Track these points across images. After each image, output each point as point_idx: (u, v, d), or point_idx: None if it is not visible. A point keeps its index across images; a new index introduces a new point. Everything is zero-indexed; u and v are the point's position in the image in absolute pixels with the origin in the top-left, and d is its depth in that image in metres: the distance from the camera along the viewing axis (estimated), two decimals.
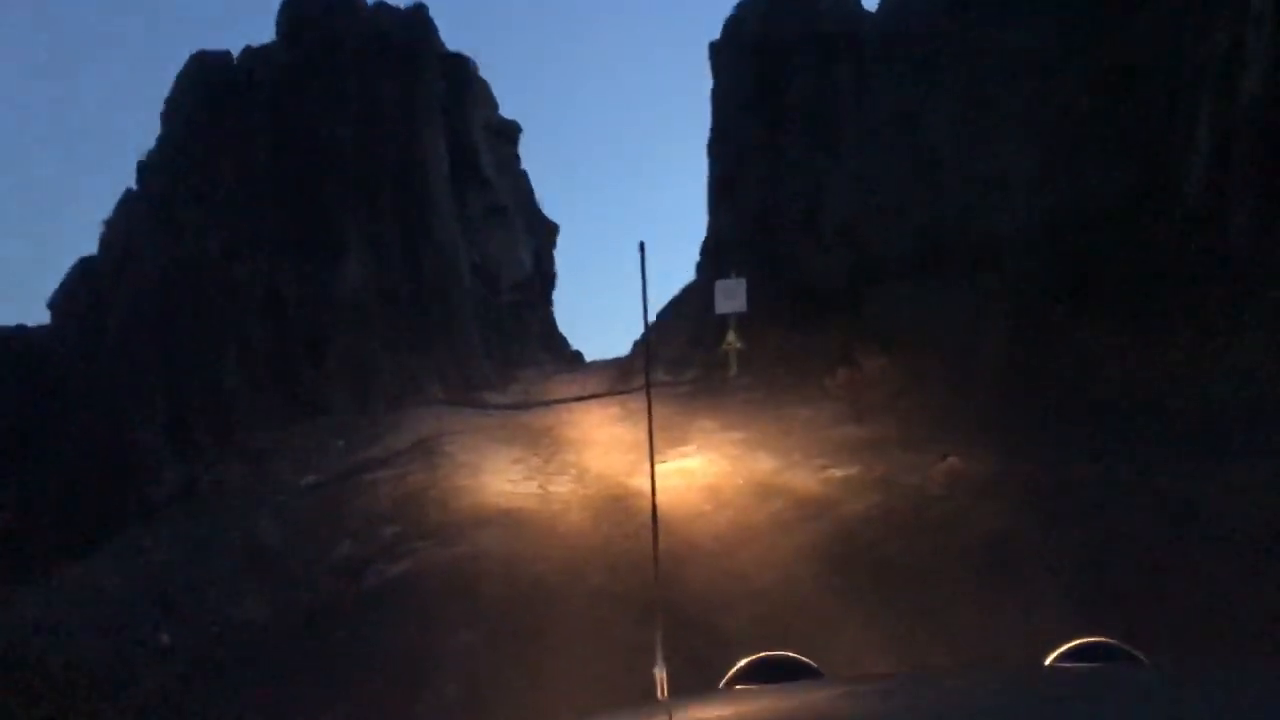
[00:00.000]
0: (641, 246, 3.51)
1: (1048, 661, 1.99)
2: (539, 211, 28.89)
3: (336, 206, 21.16)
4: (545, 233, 28.48)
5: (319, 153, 21.42)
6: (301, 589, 8.48)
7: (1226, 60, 13.04)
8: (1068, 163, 15.91)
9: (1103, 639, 2.03)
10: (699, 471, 10.48)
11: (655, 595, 3.99)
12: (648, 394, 3.74)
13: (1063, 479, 8.15)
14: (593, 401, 16.65)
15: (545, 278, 27.91)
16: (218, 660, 6.71)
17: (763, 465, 10.47)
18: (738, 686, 2.05)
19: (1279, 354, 10.02)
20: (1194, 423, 9.32)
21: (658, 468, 10.97)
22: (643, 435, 12.62)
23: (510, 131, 28.24)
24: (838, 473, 9.76)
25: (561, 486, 10.46)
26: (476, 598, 7.22)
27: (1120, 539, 6.52)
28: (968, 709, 1.49)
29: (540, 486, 10.45)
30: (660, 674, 3.01)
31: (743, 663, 2.13)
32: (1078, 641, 1.99)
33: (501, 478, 10.80)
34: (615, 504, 9.57)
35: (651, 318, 23.65)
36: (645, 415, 13.39)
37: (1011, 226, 15.88)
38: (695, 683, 2.07)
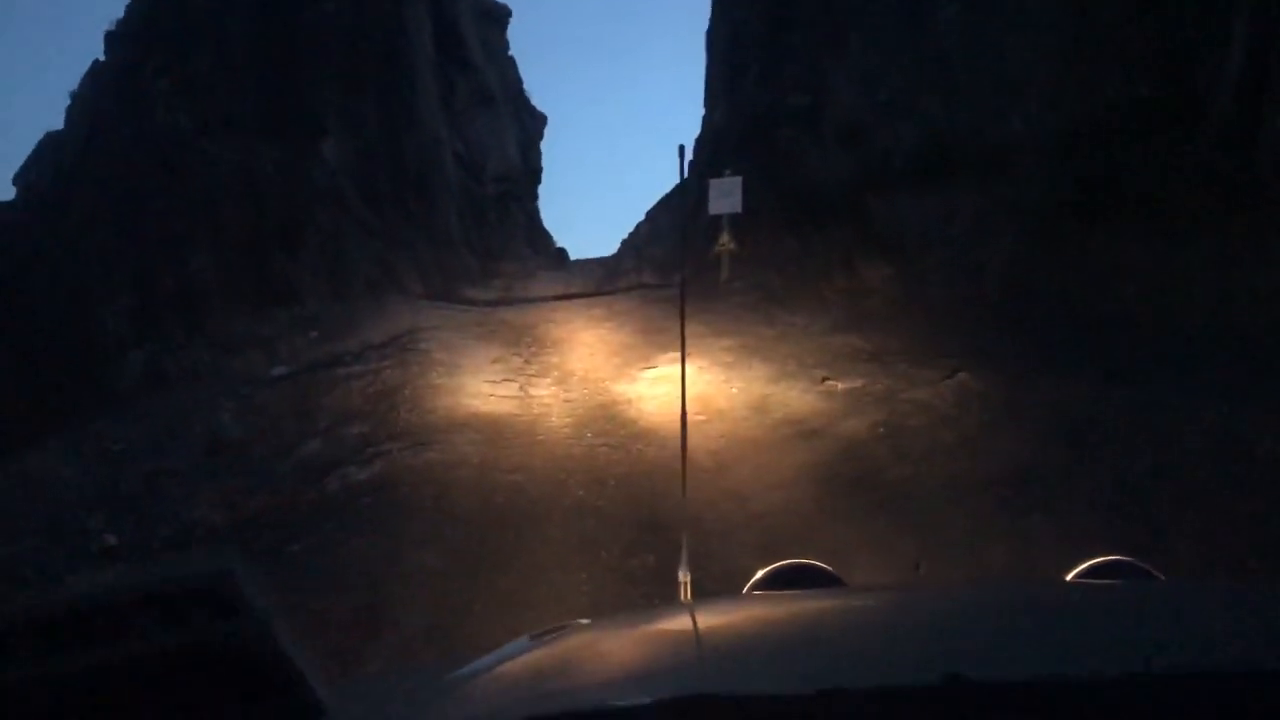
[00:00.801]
0: (681, 150, 3.63)
1: (1070, 576, 1.98)
2: (527, 101, 27.88)
3: (316, 87, 20.20)
4: (533, 124, 27.49)
5: (299, 30, 20.36)
6: (261, 491, 7.87)
7: None
8: (1087, 67, 15.08)
9: (1123, 557, 2.04)
10: (691, 380, 9.86)
11: (682, 499, 3.81)
12: (681, 297, 3.28)
13: (1085, 401, 7.57)
14: (577, 301, 16.00)
15: (531, 170, 27.01)
16: (159, 569, 6.13)
17: (758, 374, 9.86)
18: (759, 593, 2.07)
19: None
20: (1217, 349, 8.74)
21: (646, 374, 10.37)
22: (628, 338, 12.01)
23: (499, 14, 27.04)
24: (839, 385, 9.16)
25: (543, 390, 9.83)
26: (448, 510, 6.62)
27: (1162, 471, 5.96)
28: (989, 618, 1.48)
29: (520, 389, 9.82)
30: (684, 577, 3.13)
31: (765, 570, 2.17)
32: (1098, 560, 2.00)
33: (479, 378, 10.17)
34: (600, 411, 8.97)
35: (640, 216, 23.00)
36: (631, 317, 12.73)
37: (1025, 133, 15.09)
38: None
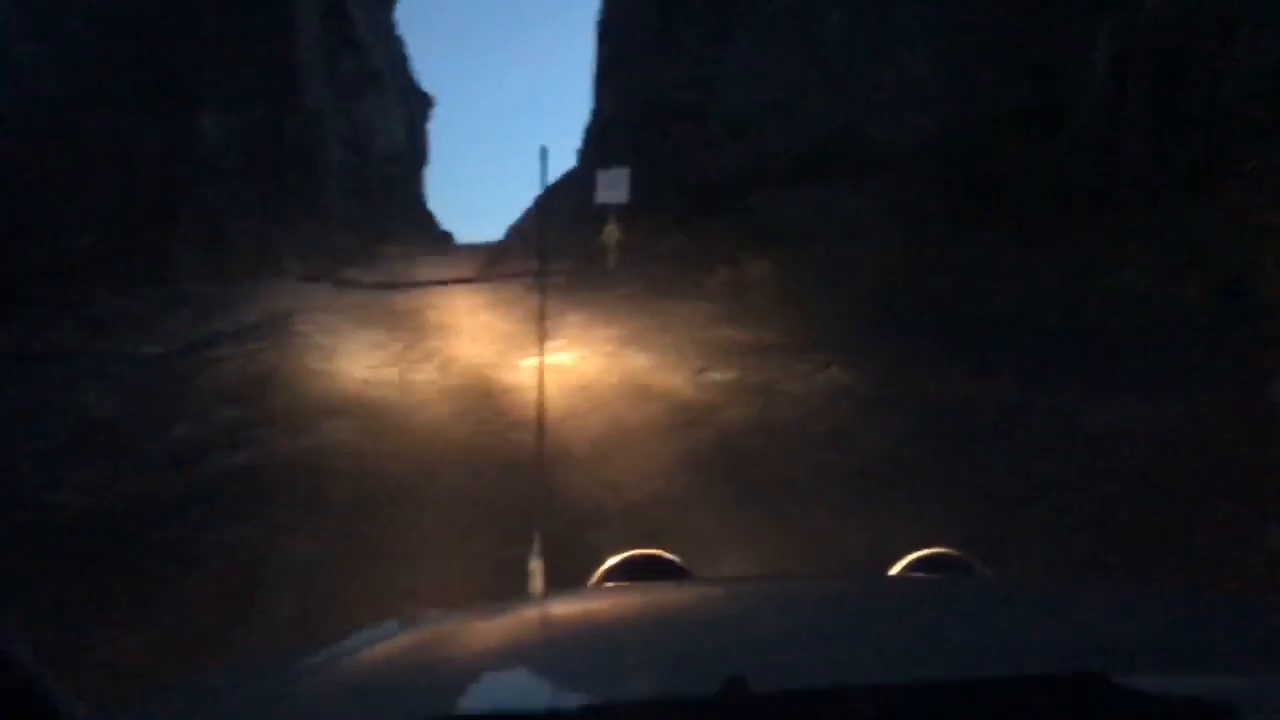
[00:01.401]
0: (543, 152, 3.56)
1: (895, 570, 2.08)
2: (414, 82, 27.50)
3: (197, 60, 19.61)
4: (420, 105, 27.12)
5: (181, 1, 19.75)
6: (128, 475, 7.66)
7: None
8: (964, 75, 15.60)
9: (947, 550, 2.13)
10: (572, 369, 9.93)
11: (537, 487, 3.86)
12: (541, 308, 3.24)
13: (950, 396, 7.88)
14: (462, 286, 15.91)
15: (417, 152, 26.67)
16: (16, 555, 5.94)
17: (639, 365, 9.99)
18: (608, 584, 2.11)
19: (1165, 282, 9.93)
20: (1077, 346, 9.17)
21: (528, 364, 10.40)
22: (512, 326, 12.00)
23: None
24: (717, 376, 9.34)
25: (423, 376, 9.78)
26: (321, 497, 6.56)
27: (1018, 464, 6.25)
28: (819, 611, 1.56)
29: (400, 375, 9.75)
30: (535, 566, 3.10)
31: (613, 560, 2.19)
32: (923, 552, 2.09)
33: (358, 363, 10.06)
34: (481, 398, 8.97)
35: (528, 203, 23.02)
36: (516, 304, 12.70)
37: (903, 135, 15.53)
38: None
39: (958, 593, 1.84)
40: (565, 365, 10.11)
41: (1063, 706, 0.97)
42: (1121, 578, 4.81)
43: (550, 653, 1.45)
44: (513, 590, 4.93)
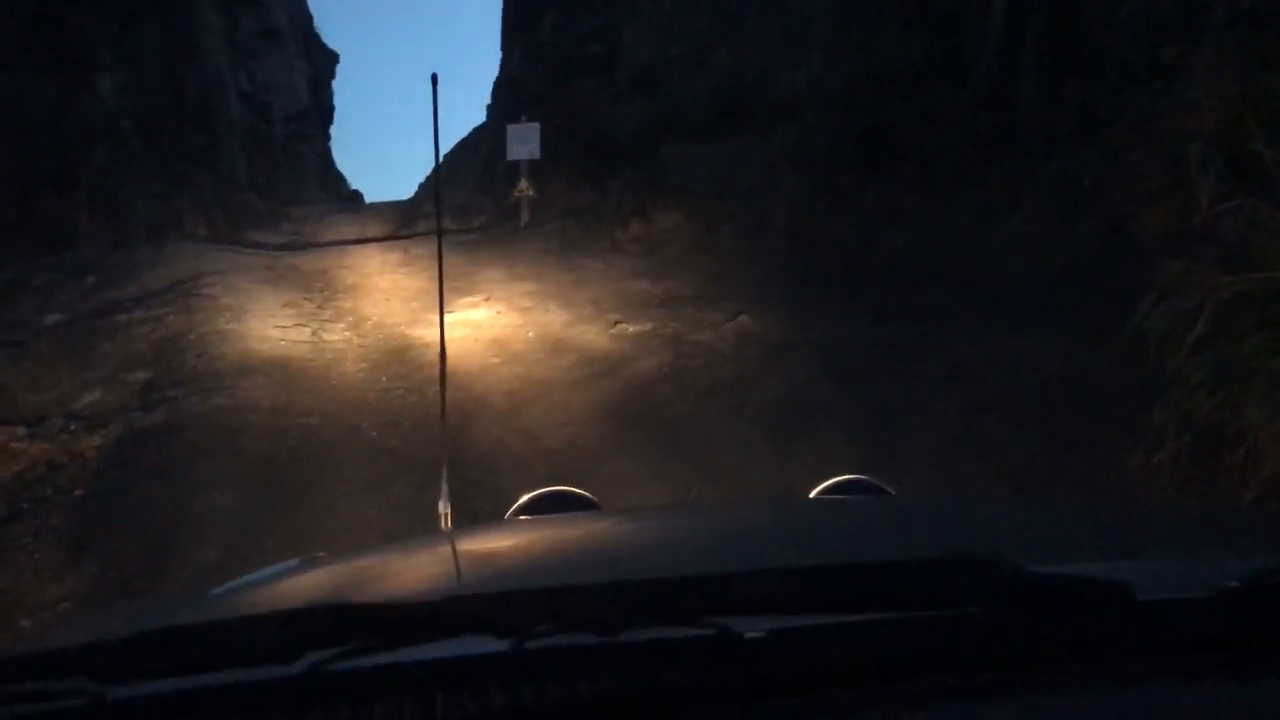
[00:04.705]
0: (434, 79, 3.43)
1: (811, 495, 2.14)
2: (317, 38, 27.00)
3: (89, 18, 19.00)
4: (324, 62, 26.65)
5: None
6: (39, 439, 7.61)
7: None
8: (865, 24, 15.86)
9: (861, 476, 2.20)
10: (487, 323, 10.03)
11: (441, 427, 3.66)
12: (439, 240, 3.29)
13: (853, 340, 8.18)
14: (373, 245, 15.82)
15: (323, 110, 26.24)
16: None
17: (554, 318, 10.13)
18: (521, 518, 2.18)
19: (1056, 226, 10.33)
20: (978, 289, 9.52)
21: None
22: (425, 283, 12.03)
23: None
24: (630, 328, 9.53)
25: (336, 335, 9.80)
26: (237, 453, 6.61)
27: (912, 403, 6.56)
28: (736, 533, 1.60)
29: (313, 334, 9.75)
30: (444, 508, 3.10)
31: (526, 497, 2.28)
32: (839, 478, 2.17)
33: (269, 323, 10.02)
34: (395, 354, 9.04)
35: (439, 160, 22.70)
36: (429, 262, 12.76)
37: (808, 87, 15.78)
38: None
39: (865, 506, 1.95)
40: (481, 320, 10.20)
41: (963, 588, 0.95)
42: (1004, 494, 5.15)
43: (458, 577, 1.49)
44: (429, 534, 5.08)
